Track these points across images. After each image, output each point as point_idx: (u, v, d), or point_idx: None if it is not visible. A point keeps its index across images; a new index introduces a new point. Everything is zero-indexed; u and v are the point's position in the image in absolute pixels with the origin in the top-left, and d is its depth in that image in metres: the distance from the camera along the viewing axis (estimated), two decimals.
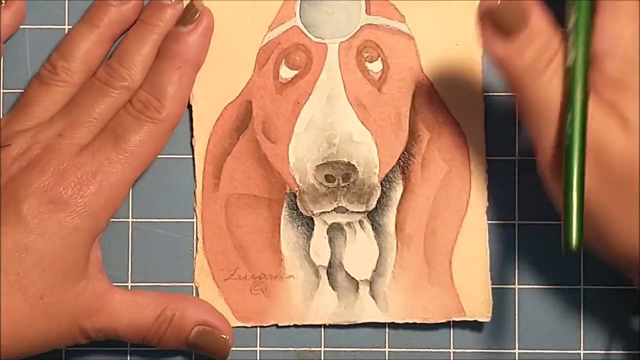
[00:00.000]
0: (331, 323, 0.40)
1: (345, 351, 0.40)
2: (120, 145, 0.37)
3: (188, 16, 0.39)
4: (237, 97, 0.40)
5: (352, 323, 0.40)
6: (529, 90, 0.34)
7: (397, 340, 0.40)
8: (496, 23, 0.33)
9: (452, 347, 0.40)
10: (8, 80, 0.41)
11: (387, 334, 0.40)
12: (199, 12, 0.39)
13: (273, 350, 0.40)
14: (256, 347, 0.40)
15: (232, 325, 0.40)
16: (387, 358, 0.40)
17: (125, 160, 0.37)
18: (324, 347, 0.40)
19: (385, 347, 0.40)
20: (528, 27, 0.33)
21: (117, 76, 0.38)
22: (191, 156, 0.40)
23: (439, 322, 0.40)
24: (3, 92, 0.41)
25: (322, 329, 0.40)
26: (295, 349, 0.40)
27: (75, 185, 0.36)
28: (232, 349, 0.40)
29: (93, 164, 0.36)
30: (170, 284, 0.40)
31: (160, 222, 0.40)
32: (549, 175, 0.35)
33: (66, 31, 0.40)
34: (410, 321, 0.40)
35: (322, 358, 0.40)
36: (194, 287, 0.40)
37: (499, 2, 0.33)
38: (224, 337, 0.39)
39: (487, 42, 0.34)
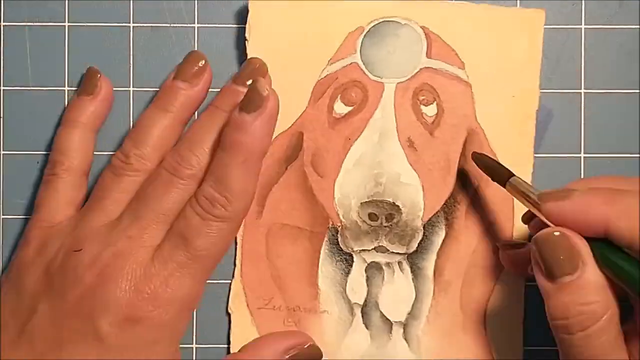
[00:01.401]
0: None
1: None
2: (190, 251, 0.36)
3: (252, 101, 0.36)
4: (290, 127, 0.40)
5: None
6: (557, 337, 0.33)
7: None
8: (542, 254, 0.33)
9: None
10: (8, 78, 0.41)
11: None
12: (264, 97, 0.36)
13: None
14: None
15: None
16: None
17: (197, 265, 0.36)
18: None
19: None
20: (575, 275, 0.32)
21: (186, 164, 0.37)
22: None
23: None
24: (3, 89, 0.40)
25: None
26: None
27: (150, 298, 0.35)
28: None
29: (165, 272, 0.35)
30: None
31: None
32: None
33: (66, 29, 0.40)
34: None
35: None
36: (228, 313, 0.40)
37: (556, 233, 0.32)
38: (310, 344, 0.38)
39: (534, 264, 0.33)
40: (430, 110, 0.40)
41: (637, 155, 0.41)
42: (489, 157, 0.38)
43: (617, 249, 0.32)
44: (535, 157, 0.40)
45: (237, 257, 0.40)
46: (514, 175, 0.36)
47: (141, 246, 0.36)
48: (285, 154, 0.40)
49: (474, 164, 0.40)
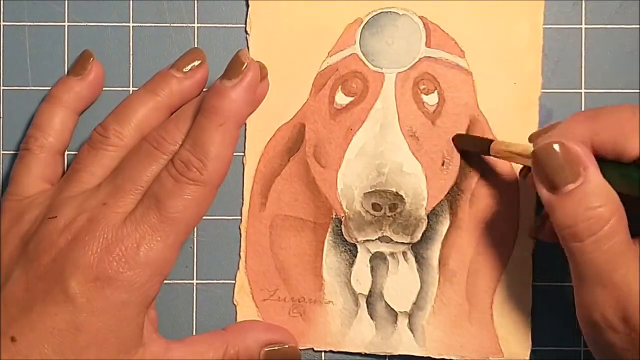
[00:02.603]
0: (367, 352, 0.40)
1: None
2: (163, 213, 0.35)
3: (233, 69, 0.37)
4: (291, 119, 0.40)
5: (388, 354, 0.40)
6: (566, 248, 0.33)
7: None
8: (544, 168, 0.33)
9: None
10: (8, 78, 0.41)
11: None
12: (244, 65, 0.37)
13: None
14: None
15: None
16: None
17: (169, 228, 0.35)
18: None
19: None
20: (578, 182, 0.32)
21: (170, 138, 0.37)
22: None
23: None
24: (3, 89, 0.41)
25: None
26: None
27: (120, 259, 0.35)
28: None
29: (137, 234, 0.35)
30: (171, 282, 0.40)
31: None
32: (586, 329, 0.33)
33: (66, 29, 0.41)
34: (447, 358, 0.39)
35: None
36: (233, 305, 0.40)
37: (555, 145, 0.32)
38: (291, 345, 0.39)
39: (536, 181, 0.33)
40: (431, 100, 0.40)
41: None
42: (466, 134, 0.39)
43: (609, 162, 0.33)
44: None
45: (241, 249, 0.40)
46: (494, 140, 0.37)
47: (115, 212, 0.36)
48: (287, 146, 0.40)
49: (477, 153, 0.40)
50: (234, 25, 0.41)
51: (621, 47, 0.40)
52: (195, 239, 0.41)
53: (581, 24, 0.40)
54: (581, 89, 0.40)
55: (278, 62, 0.40)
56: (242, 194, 0.40)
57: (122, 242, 0.35)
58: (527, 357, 0.39)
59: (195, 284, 0.40)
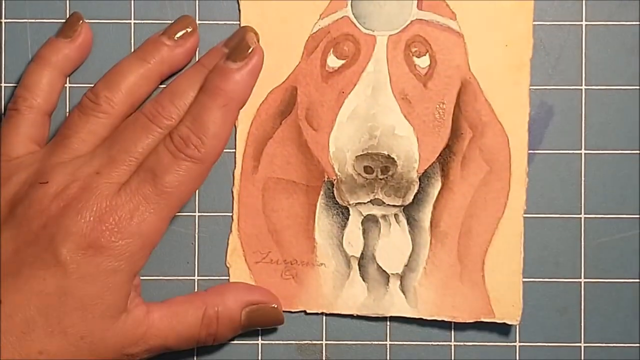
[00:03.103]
0: (359, 314, 0.40)
1: (346, 344, 0.40)
2: (158, 186, 0.36)
3: (239, 52, 0.38)
4: (283, 82, 0.40)
5: (380, 316, 0.40)
6: None
7: (399, 334, 0.40)
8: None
9: (452, 340, 0.40)
10: (9, 74, 0.41)
11: (388, 327, 0.40)
12: (250, 48, 0.38)
13: (274, 344, 0.41)
14: (258, 341, 0.41)
15: None
16: (388, 351, 0.40)
17: (162, 201, 0.36)
18: (325, 340, 0.40)
19: (386, 341, 0.40)
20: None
21: (166, 113, 0.37)
22: None
23: (467, 322, 0.39)
24: (4, 86, 0.41)
25: (324, 322, 0.40)
26: (297, 342, 0.40)
27: (113, 229, 0.35)
28: (233, 342, 0.40)
29: (130, 205, 0.35)
30: (172, 278, 0.41)
31: None
32: None
33: None
34: (439, 319, 0.40)
35: (324, 351, 0.40)
36: (226, 267, 0.40)
37: None
38: (273, 306, 0.39)
39: None
40: (423, 62, 0.40)
41: (638, 151, 0.40)
42: None
43: None
44: (535, 153, 0.40)
45: (233, 211, 0.40)
46: None
47: (109, 182, 0.36)
48: (279, 109, 0.40)
49: (468, 115, 0.40)
50: (235, 22, 0.40)
51: (622, 44, 0.40)
52: (196, 235, 0.41)
53: (582, 21, 0.40)
54: (582, 85, 0.40)
55: (270, 24, 0.40)
56: (235, 157, 0.40)
57: (115, 212, 0.35)
58: (519, 318, 0.39)
59: (196, 280, 0.41)
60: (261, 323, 0.39)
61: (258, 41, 0.39)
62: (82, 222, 0.35)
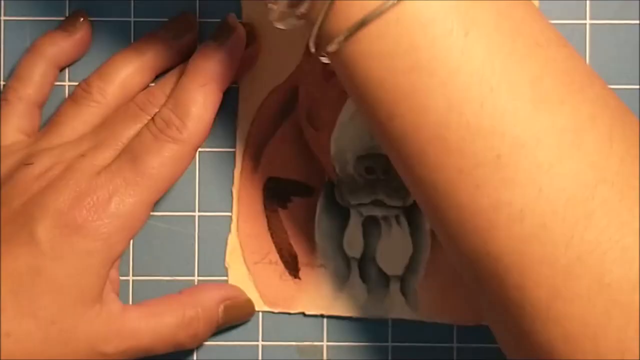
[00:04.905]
0: (359, 316, 0.40)
1: (347, 345, 0.40)
2: (139, 168, 0.35)
3: (219, 31, 0.38)
4: (284, 81, 0.40)
5: (380, 318, 0.39)
6: None
7: (401, 335, 0.40)
8: None
9: (455, 342, 0.40)
10: (9, 73, 0.40)
11: (389, 328, 0.40)
12: (230, 27, 0.37)
13: (274, 345, 0.40)
14: (258, 342, 0.40)
15: (260, 309, 0.40)
16: (389, 352, 0.40)
17: (143, 183, 0.35)
18: (326, 341, 0.40)
19: (388, 342, 0.40)
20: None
21: (157, 102, 0.37)
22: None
23: (468, 325, 0.39)
24: (3, 85, 0.40)
25: (325, 323, 0.40)
26: (297, 343, 0.40)
27: (90, 208, 0.35)
28: (233, 343, 0.40)
29: (110, 186, 0.35)
30: (172, 278, 0.40)
31: (162, 215, 0.40)
32: None
33: None
34: (440, 322, 0.39)
35: (324, 352, 0.40)
36: (224, 268, 0.40)
37: None
38: (244, 299, 0.39)
39: None
40: None
41: None
42: None
43: None
44: None
45: (233, 211, 0.40)
46: None
47: (92, 164, 0.36)
48: (280, 108, 0.40)
49: None
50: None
51: (626, 43, 0.40)
52: (196, 236, 0.40)
53: (586, 20, 0.40)
54: None
55: (271, 22, 0.40)
56: (235, 157, 0.40)
57: (94, 192, 0.35)
58: None
59: (196, 280, 0.40)
60: (236, 317, 0.39)
61: (255, 33, 0.39)
62: (61, 200, 0.35)
